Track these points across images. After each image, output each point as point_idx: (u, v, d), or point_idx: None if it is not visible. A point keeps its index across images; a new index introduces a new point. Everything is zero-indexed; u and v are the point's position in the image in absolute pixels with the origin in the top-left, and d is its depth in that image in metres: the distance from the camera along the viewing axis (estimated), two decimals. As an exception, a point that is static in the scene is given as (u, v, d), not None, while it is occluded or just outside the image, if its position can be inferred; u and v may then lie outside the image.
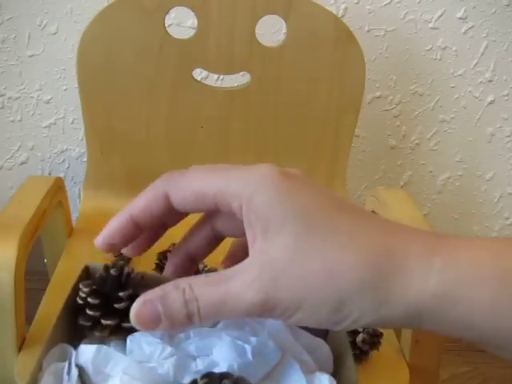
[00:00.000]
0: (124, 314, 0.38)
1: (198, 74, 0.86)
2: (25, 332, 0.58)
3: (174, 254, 0.38)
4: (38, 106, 1.00)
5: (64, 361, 0.37)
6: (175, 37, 0.75)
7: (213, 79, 0.93)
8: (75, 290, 0.40)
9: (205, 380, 0.32)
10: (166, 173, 0.33)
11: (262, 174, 0.30)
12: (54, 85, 0.98)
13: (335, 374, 0.42)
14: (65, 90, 0.98)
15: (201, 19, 0.74)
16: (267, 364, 0.39)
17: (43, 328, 0.59)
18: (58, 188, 0.73)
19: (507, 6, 0.93)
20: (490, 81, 1.00)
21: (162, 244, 0.72)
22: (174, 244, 0.70)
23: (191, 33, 0.76)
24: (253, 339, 0.39)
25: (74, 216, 0.81)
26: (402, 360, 0.61)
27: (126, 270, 0.40)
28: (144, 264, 0.69)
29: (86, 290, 0.38)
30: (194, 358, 0.38)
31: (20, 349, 0.57)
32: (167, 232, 0.67)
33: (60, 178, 0.75)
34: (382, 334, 0.60)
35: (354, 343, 0.59)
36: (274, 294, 0.28)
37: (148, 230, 0.35)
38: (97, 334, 0.38)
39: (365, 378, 0.59)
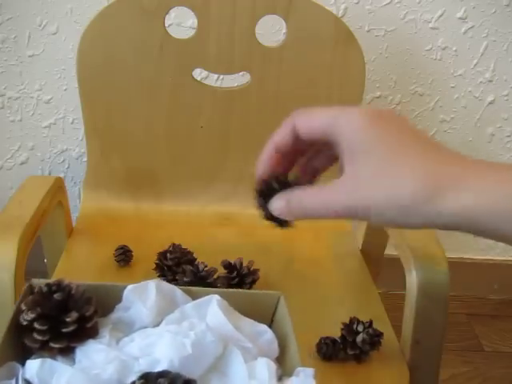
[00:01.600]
0: (72, 336, 0.39)
1: (198, 74, 0.86)
2: (25, 332, 0.58)
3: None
4: (38, 106, 1.00)
5: (12, 378, 0.38)
6: (175, 37, 0.75)
7: (213, 79, 0.93)
8: (20, 310, 0.40)
9: (142, 381, 0.33)
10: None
11: (354, 111, 0.38)
12: (54, 85, 0.98)
13: (281, 358, 0.43)
14: (65, 90, 0.98)
15: (201, 19, 0.74)
16: (208, 355, 0.40)
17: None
18: (57, 188, 0.73)
19: (507, 6, 0.93)
20: (490, 81, 1.00)
21: (161, 244, 0.72)
22: (173, 244, 0.70)
23: (191, 33, 0.76)
24: (191, 333, 0.40)
25: (74, 216, 0.81)
26: (402, 360, 0.61)
27: (69, 290, 0.41)
28: (144, 264, 0.69)
29: (31, 315, 0.39)
30: (137, 359, 0.39)
31: (20, 349, 0.57)
32: (167, 232, 0.68)
33: (60, 177, 0.75)
34: (381, 333, 0.60)
35: (354, 343, 0.59)
36: (356, 202, 0.37)
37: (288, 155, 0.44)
38: (45, 354, 0.39)
39: (365, 377, 0.59)
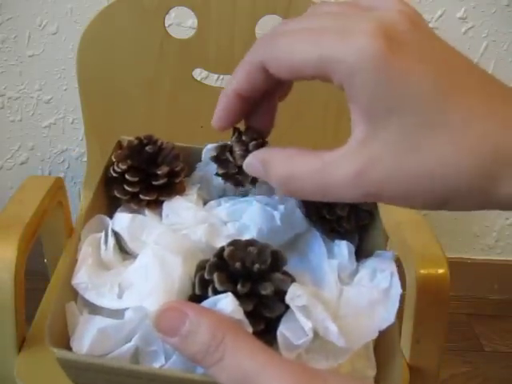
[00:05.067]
0: (161, 190, 0.40)
1: (198, 74, 0.86)
2: (25, 332, 0.58)
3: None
4: (38, 106, 1.00)
5: (101, 231, 0.38)
6: (175, 37, 0.75)
7: (213, 79, 0.93)
8: (110, 164, 0.41)
9: (231, 248, 0.33)
10: (259, 40, 0.31)
11: (362, 46, 0.25)
12: (54, 85, 0.98)
13: (362, 240, 0.42)
14: (65, 89, 0.98)
15: (201, 19, 0.74)
16: (293, 230, 0.40)
17: (43, 328, 0.59)
18: (58, 188, 0.73)
19: (507, 6, 0.93)
20: (490, 81, 1.00)
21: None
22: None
23: (191, 33, 0.76)
24: (281, 207, 0.40)
25: (74, 216, 0.81)
26: (402, 360, 0.61)
27: (160, 144, 0.42)
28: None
29: (122, 166, 0.40)
30: (225, 223, 0.39)
31: (20, 349, 0.57)
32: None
33: (60, 178, 0.75)
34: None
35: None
36: (377, 192, 0.27)
37: (259, 102, 0.35)
38: (134, 206, 0.40)
39: (365, 377, 0.59)
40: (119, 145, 0.44)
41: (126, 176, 0.40)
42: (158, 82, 0.78)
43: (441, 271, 0.60)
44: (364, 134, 0.27)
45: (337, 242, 0.39)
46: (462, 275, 1.14)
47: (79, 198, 1.00)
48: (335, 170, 0.28)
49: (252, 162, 0.32)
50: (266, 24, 0.75)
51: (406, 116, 0.25)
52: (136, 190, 0.40)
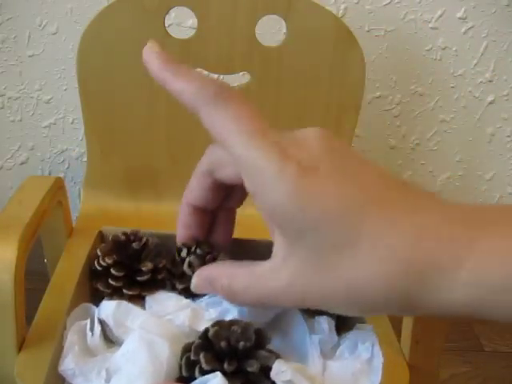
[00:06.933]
0: (144, 285, 0.41)
1: (198, 74, 0.86)
2: (25, 332, 0.58)
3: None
4: (38, 106, 1.00)
5: (87, 319, 0.39)
6: (175, 37, 0.75)
7: (213, 79, 0.93)
8: (92, 255, 0.42)
9: (215, 328, 0.34)
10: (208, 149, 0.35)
11: (278, 167, 0.27)
12: (54, 85, 0.98)
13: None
14: (65, 89, 0.98)
15: (201, 19, 0.74)
16: (273, 310, 0.41)
17: (43, 328, 0.59)
18: (58, 188, 0.73)
19: (507, 6, 0.93)
20: (490, 81, 1.00)
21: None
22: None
23: (191, 33, 0.76)
24: None
25: (74, 216, 0.81)
26: (402, 360, 0.61)
27: (145, 241, 0.43)
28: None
29: (108, 261, 0.41)
30: (207, 309, 0.40)
31: (20, 349, 0.57)
32: (167, 232, 0.64)
33: (60, 178, 0.75)
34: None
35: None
36: (303, 302, 0.29)
37: (216, 210, 0.38)
38: (116, 299, 0.40)
39: (365, 378, 0.59)
40: (100, 236, 0.44)
41: (112, 271, 0.41)
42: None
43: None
44: (284, 251, 0.29)
45: (317, 318, 0.41)
46: (461, 275, 1.14)
47: (79, 197, 1.00)
48: (266, 283, 0.30)
49: (199, 283, 0.35)
50: (266, 24, 0.75)
51: (318, 237, 0.27)
52: (119, 284, 0.41)
